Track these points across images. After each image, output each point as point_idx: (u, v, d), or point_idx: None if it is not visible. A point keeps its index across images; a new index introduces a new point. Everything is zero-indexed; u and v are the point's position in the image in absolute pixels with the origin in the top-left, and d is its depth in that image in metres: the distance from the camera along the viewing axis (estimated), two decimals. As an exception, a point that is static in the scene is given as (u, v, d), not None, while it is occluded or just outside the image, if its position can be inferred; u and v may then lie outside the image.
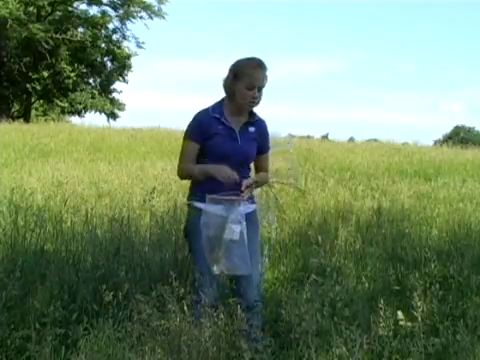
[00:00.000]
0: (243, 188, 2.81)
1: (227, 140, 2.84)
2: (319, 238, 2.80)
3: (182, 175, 2.98)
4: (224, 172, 2.75)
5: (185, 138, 2.91)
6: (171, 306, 2.50)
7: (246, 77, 2.78)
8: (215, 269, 2.75)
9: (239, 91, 2.80)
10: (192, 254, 2.97)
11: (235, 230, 2.78)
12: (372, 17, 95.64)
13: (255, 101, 2.84)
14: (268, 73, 2.83)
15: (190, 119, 2.91)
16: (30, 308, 2.96)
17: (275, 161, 12.48)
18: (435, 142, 26.98)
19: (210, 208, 2.80)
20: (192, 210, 2.93)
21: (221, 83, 2.90)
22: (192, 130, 2.88)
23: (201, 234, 2.82)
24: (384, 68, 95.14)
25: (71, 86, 31.82)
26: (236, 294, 2.79)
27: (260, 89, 2.82)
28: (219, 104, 2.90)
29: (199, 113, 2.90)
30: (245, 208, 2.85)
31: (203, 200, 2.82)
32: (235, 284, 2.83)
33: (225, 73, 2.90)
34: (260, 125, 2.97)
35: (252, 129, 2.92)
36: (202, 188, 2.85)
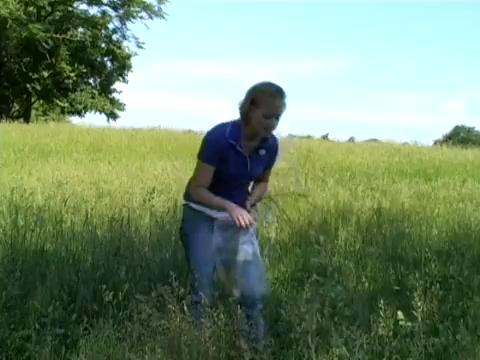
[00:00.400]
0: (248, 208, 2.83)
1: (237, 165, 2.80)
2: (321, 238, 2.78)
3: (197, 196, 2.85)
4: (240, 214, 2.69)
5: (202, 161, 2.81)
6: (171, 306, 2.50)
7: (264, 105, 2.68)
8: (235, 293, 2.73)
9: (256, 118, 2.71)
10: (190, 254, 2.93)
11: (248, 251, 2.78)
12: (372, 17, 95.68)
13: (271, 130, 2.77)
14: (285, 102, 2.74)
15: (206, 139, 2.85)
16: (30, 308, 2.96)
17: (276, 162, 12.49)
18: (435, 142, 26.98)
19: (223, 232, 2.81)
20: (189, 211, 2.92)
21: (237, 106, 2.80)
22: (210, 154, 2.79)
23: (199, 234, 2.83)
24: (384, 68, 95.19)
25: (71, 86, 31.85)
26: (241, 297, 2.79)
27: (278, 117, 2.74)
28: (236, 128, 2.79)
29: (215, 135, 2.81)
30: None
31: (200, 204, 2.83)
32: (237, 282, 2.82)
33: (241, 97, 2.80)
34: (272, 145, 2.91)
35: (263, 152, 2.86)
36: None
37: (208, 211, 2.83)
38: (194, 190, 2.84)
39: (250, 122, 2.74)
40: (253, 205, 2.93)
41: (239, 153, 2.78)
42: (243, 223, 2.66)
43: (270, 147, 2.90)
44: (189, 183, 2.99)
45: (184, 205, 2.98)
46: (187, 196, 2.96)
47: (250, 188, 3.01)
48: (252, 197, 2.94)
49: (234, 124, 2.80)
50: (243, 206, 2.83)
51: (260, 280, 2.76)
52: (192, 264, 2.88)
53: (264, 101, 2.69)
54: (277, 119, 2.74)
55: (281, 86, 2.75)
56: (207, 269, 2.80)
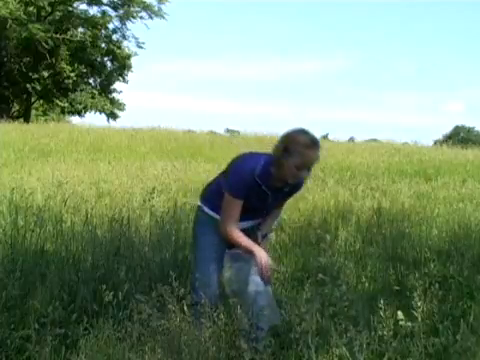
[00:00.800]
0: (259, 240, 2.85)
1: (260, 200, 2.80)
2: (327, 237, 2.78)
3: (226, 235, 2.78)
4: (265, 262, 2.67)
5: (233, 196, 2.75)
6: (171, 306, 2.50)
7: (298, 156, 2.63)
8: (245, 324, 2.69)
9: (288, 166, 2.66)
10: (197, 254, 2.95)
11: (259, 282, 2.78)
12: (372, 17, 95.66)
13: (301, 180, 2.77)
14: (320, 152, 2.70)
15: (236, 173, 2.78)
16: (30, 308, 2.96)
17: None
18: (435, 142, 26.97)
19: (234, 263, 2.82)
20: (202, 214, 2.94)
21: (272, 150, 2.76)
22: (240, 191, 2.74)
23: (209, 237, 2.85)
24: (384, 68, 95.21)
25: (71, 86, 31.84)
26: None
27: (310, 169, 2.70)
28: (266, 167, 2.74)
29: (246, 173, 2.75)
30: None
31: (214, 210, 2.86)
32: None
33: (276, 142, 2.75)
34: (297, 185, 2.89)
35: (286, 189, 2.86)
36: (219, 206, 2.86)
37: (235, 264, 2.87)
38: (225, 230, 2.77)
39: (281, 168, 2.69)
40: (265, 236, 2.95)
41: (264, 192, 2.78)
42: (265, 275, 2.66)
43: (294, 186, 2.88)
44: (208, 185, 3.02)
45: (199, 207, 2.98)
46: (204, 199, 2.96)
47: None
48: (264, 227, 2.96)
49: (265, 162, 2.75)
50: (254, 231, 2.87)
51: (273, 311, 2.73)
52: (197, 264, 2.90)
53: (297, 151, 2.63)
54: (309, 170, 2.69)
55: (315, 136, 2.71)
56: (211, 271, 2.81)
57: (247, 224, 2.88)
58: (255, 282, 2.78)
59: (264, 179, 2.73)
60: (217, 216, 2.85)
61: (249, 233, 2.85)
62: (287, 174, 2.69)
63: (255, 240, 2.84)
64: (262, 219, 2.96)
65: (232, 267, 2.82)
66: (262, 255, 2.69)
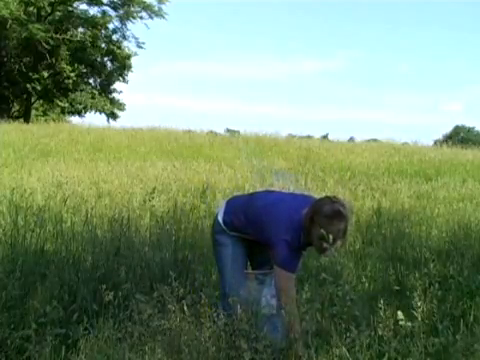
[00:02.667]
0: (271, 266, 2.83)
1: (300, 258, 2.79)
2: (330, 237, 2.77)
3: (291, 313, 2.60)
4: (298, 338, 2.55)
5: (289, 271, 2.68)
6: (171, 306, 2.50)
7: (319, 226, 2.57)
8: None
9: (313, 237, 2.62)
10: (223, 263, 2.93)
11: (272, 304, 2.79)
12: (372, 17, 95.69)
13: (327, 253, 2.66)
14: (345, 224, 2.60)
15: (284, 250, 2.66)
16: (30, 308, 2.96)
17: (277, 163, 12.49)
18: (435, 142, 26.95)
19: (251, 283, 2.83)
20: (222, 228, 2.94)
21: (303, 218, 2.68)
22: (294, 265, 2.71)
23: (234, 248, 2.89)
24: (384, 68, 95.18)
25: (71, 86, 31.82)
26: None
27: (335, 240, 2.56)
28: (302, 233, 2.69)
29: (293, 244, 2.67)
30: None
31: (233, 230, 2.89)
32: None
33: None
34: None
35: None
36: (240, 231, 2.89)
37: (240, 235, 2.91)
38: (292, 310, 2.58)
39: (310, 236, 2.65)
40: None
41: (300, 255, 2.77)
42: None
43: None
44: (227, 204, 3.00)
45: (220, 224, 2.96)
46: (225, 223, 2.93)
47: None
48: None
49: (303, 229, 2.67)
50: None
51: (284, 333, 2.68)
52: (226, 280, 2.89)
53: (319, 220, 2.58)
54: (334, 241, 2.55)
55: (341, 207, 2.61)
56: (240, 279, 2.84)
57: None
58: (268, 304, 2.79)
59: (304, 245, 2.72)
60: (237, 234, 2.90)
61: (261, 249, 2.88)
62: (313, 243, 2.65)
63: (267, 266, 2.88)
64: None
65: (250, 288, 2.81)
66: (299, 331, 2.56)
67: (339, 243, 2.61)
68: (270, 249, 2.73)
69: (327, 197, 2.71)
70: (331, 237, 2.51)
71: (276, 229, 2.69)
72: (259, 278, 2.87)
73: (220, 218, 2.96)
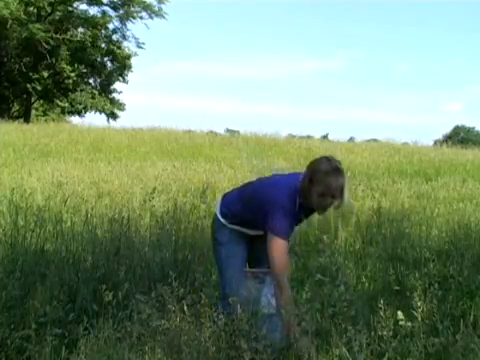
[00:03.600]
0: None
1: (294, 228, 2.84)
2: (325, 238, 2.78)
3: (279, 285, 2.69)
4: (292, 331, 2.57)
5: (284, 238, 2.71)
6: (171, 306, 2.50)
7: (318, 184, 2.65)
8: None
9: (313, 196, 2.68)
10: (223, 261, 2.95)
11: (272, 303, 2.78)
12: (372, 17, 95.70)
13: (326, 211, 2.75)
14: (344, 182, 2.67)
15: (281, 212, 2.71)
16: (30, 308, 2.96)
17: (277, 162, 12.49)
18: (435, 142, 26.94)
19: (251, 282, 2.83)
20: (221, 224, 2.96)
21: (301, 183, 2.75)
22: (289, 230, 2.76)
23: (233, 245, 2.89)
24: (384, 68, 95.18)
25: (71, 86, 31.84)
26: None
27: (335, 197, 2.66)
28: (301, 203, 2.75)
29: (291, 211, 2.73)
30: None
31: (233, 223, 2.90)
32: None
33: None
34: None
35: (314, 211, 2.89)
36: (238, 221, 2.90)
37: (241, 229, 2.91)
38: (280, 279, 2.67)
39: (309, 198, 2.70)
40: None
41: (299, 220, 2.82)
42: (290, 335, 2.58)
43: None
44: (225, 202, 3.00)
45: (220, 220, 2.97)
46: (223, 215, 2.95)
47: None
48: None
49: (299, 192, 2.74)
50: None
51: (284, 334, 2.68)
52: (226, 272, 2.90)
53: (317, 178, 2.66)
54: (333, 198, 2.65)
55: (338, 164, 2.71)
56: (242, 280, 2.83)
57: (260, 232, 2.89)
58: (268, 303, 2.79)
59: (304, 210, 2.76)
60: (238, 228, 2.90)
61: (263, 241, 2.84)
62: (314, 203, 2.70)
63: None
64: None
65: (250, 287, 2.80)
66: (293, 325, 2.57)
67: (338, 201, 2.67)
68: (266, 223, 2.74)
69: (323, 157, 2.77)
70: (331, 193, 2.61)
71: (273, 198, 2.75)
72: (259, 277, 2.88)
73: (218, 212, 2.98)
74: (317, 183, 2.65)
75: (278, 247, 2.69)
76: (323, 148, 15.33)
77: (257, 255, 2.98)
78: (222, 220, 2.95)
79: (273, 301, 2.79)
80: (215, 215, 3.03)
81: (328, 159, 2.72)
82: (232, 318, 2.50)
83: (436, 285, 2.84)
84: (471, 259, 4.18)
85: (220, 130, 24.47)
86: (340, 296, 2.47)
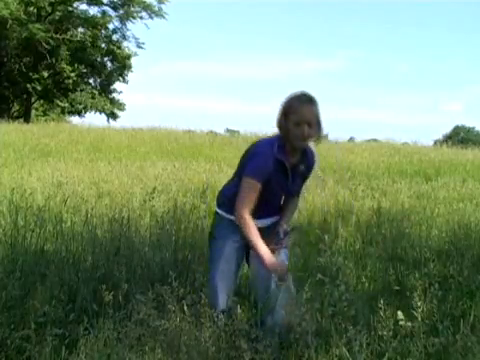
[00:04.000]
0: (282, 236, 2.82)
1: (280, 180, 2.79)
2: (325, 237, 2.78)
3: (240, 221, 2.75)
4: (273, 265, 2.66)
5: (252, 178, 2.72)
6: (171, 306, 2.50)
7: (293, 114, 2.69)
8: (269, 320, 2.71)
9: (290, 128, 2.70)
10: (212, 257, 2.94)
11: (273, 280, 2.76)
12: (372, 17, 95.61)
13: (305, 139, 2.72)
14: (315, 109, 2.73)
15: (255, 155, 2.79)
16: (30, 308, 2.96)
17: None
18: (435, 142, 26.93)
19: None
20: (218, 217, 2.94)
21: (276, 122, 2.81)
22: (261, 171, 2.73)
23: (225, 241, 2.85)
24: (384, 68, 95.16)
25: (71, 86, 31.85)
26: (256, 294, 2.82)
27: (311, 125, 2.69)
28: (281, 145, 2.78)
29: (266, 152, 2.77)
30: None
31: (229, 212, 2.84)
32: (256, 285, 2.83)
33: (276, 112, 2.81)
34: (310, 162, 2.92)
35: (302, 167, 2.86)
36: (231, 202, 2.83)
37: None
38: (239, 213, 2.74)
39: (287, 133, 2.72)
40: (286, 233, 2.90)
41: (283, 169, 2.78)
42: (278, 275, 2.65)
43: (309, 162, 2.90)
44: (222, 191, 3.00)
45: (216, 211, 2.97)
46: (219, 204, 2.96)
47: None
48: (284, 221, 2.92)
49: (279, 140, 2.78)
50: (274, 225, 2.85)
51: (292, 307, 2.67)
52: (211, 272, 2.88)
53: (292, 109, 2.70)
54: (310, 126, 2.69)
55: (309, 94, 2.76)
56: (225, 277, 2.82)
57: (266, 222, 2.87)
58: (268, 280, 2.75)
59: (283, 154, 2.75)
60: (229, 216, 2.84)
61: (269, 233, 2.83)
62: (292, 136, 2.71)
63: (276, 239, 2.82)
64: (280, 214, 2.94)
65: (257, 263, 2.77)
66: (269, 259, 2.66)
67: (315, 131, 2.72)
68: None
69: (294, 92, 2.81)
70: (306, 120, 2.66)
71: (253, 150, 2.85)
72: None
73: (216, 205, 2.98)
74: (292, 114, 2.69)
75: (244, 184, 2.73)
76: (323, 148, 15.31)
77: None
78: (219, 211, 2.92)
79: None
80: (215, 212, 3.01)
81: (299, 91, 2.78)
82: (231, 315, 2.51)
83: (436, 285, 2.84)
84: (471, 259, 4.18)
85: (220, 130, 24.49)
86: (340, 296, 2.47)
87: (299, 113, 2.67)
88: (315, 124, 2.71)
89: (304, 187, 3.11)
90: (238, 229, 2.79)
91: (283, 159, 2.74)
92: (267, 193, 2.76)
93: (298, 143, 2.73)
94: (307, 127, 2.67)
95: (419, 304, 2.44)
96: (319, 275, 2.55)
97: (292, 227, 2.99)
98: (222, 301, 2.76)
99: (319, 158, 3.01)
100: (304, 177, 2.95)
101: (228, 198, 2.87)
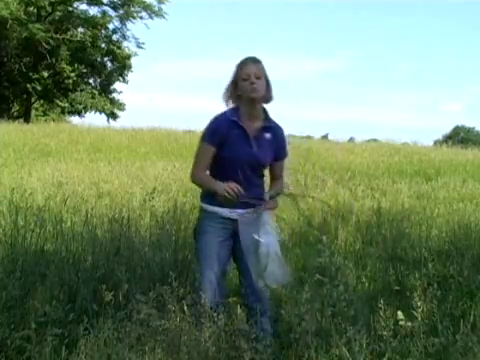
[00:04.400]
0: (267, 198, 2.83)
1: (241, 145, 2.81)
2: (324, 238, 2.77)
3: (194, 181, 2.93)
4: (226, 187, 2.70)
5: (201, 140, 2.86)
6: (171, 306, 2.50)
7: (239, 72, 2.82)
8: (260, 283, 2.75)
9: (240, 87, 2.81)
10: (197, 254, 2.97)
11: (268, 242, 2.78)
12: (371, 17, 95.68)
13: (255, 87, 2.79)
14: (260, 65, 2.84)
15: (208, 124, 2.88)
16: (30, 308, 2.95)
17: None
18: (435, 142, 26.95)
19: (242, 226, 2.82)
20: (202, 212, 2.95)
21: (223, 96, 2.91)
22: (210, 132, 2.84)
23: (208, 236, 2.85)
24: (384, 68, 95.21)
25: (71, 86, 31.84)
26: (246, 298, 2.81)
27: (259, 77, 2.80)
28: (235, 109, 2.88)
29: (216, 116, 2.88)
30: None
31: (213, 203, 2.84)
32: (245, 287, 2.84)
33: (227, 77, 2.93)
34: (277, 132, 2.94)
35: (268, 135, 2.88)
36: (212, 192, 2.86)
37: (219, 211, 2.85)
38: (194, 174, 2.88)
39: (239, 90, 2.83)
40: (273, 197, 2.90)
41: (242, 131, 2.80)
42: (232, 193, 2.69)
43: (275, 131, 2.92)
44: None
45: (200, 205, 3.00)
46: (201, 197, 2.98)
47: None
48: (271, 191, 2.94)
49: (233, 107, 2.90)
50: (257, 199, 2.82)
51: (283, 270, 2.76)
52: (198, 265, 2.92)
53: (238, 69, 2.84)
54: (258, 78, 2.79)
55: (256, 56, 2.89)
56: (210, 273, 2.81)
57: (243, 213, 2.83)
58: (265, 245, 2.76)
59: (236, 115, 2.84)
60: (215, 209, 2.84)
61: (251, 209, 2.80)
62: (243, 93, 2.81)
63: (259, 198, 2.81)
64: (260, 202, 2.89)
65: (246, 232, 2.77)
66: (220, 185, 2.73)
67: (263, 85, 2.81)
68: None
69: None
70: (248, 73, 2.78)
71: None
72: (256, 221, 2.78)
73: (199, 200, 3.01)
74: (237, 72, 2.82)
75: (197, 150, 2.88)
76: (323, 148, 15.33)
77: (239, 255, 2.91)
78: (202, 204, 2.94)
79: (268, 239, 2.77)
80: (199, 207, 3.04)
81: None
82: (232, 318, 2.51)
83: (436, 285, 2.84)
84: (471, 259, 4.18)
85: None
86: (339, 296, 2.47)
87: (243, 68, 2.81)
88: (263, 78, 2.82)
89: (286, 170, 3.10)
90: (221, 222, 2.83)
91: (236, 119, 2.81)
92: (233, 161, 2.78)
93: (250, 94, 2.80)
94: (255, 78, 2.78)
95: (419, 304, 2.44)
96: (317, 275, 2.56)
97: (278, 192, 2.97)
98: (212, 297, 2.74)
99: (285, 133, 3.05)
100: (275, 150, 2.93)
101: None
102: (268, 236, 2.78)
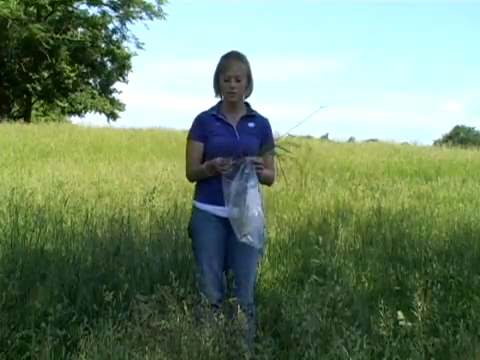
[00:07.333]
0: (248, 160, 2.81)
1: (226, 136, 2.87)
2: (320, 238, 2.78)
3: (191, 179, 3.00)
4: (213, 163, 2.75)
5: (188, 140, 2.96)
6: (171, 306, 2.50)
7: (222, 70, 2.87)
8: (244, 240, 2.75)
9: (221, 85, 2.88)
10: (194, 252, 2.99)
11: (251, 192, 2.75)
12: (371, 16, 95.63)
13: (233, 92, 2.85)
14: (243, 65, 2.87)
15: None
16: (30, 308, 2.96)
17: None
18: (435, 142, 26.95)
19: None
20: (195, 210, 2.96)
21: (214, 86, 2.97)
22: (193, 129, 2.94)
23: (203, 234, 2.85)
24: (383, 68, 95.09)
25: (71, 86, 31.81)
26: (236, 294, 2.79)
27: (239, 80, 2.84)
28: (217, 105, 2.98)
29: (198, 114, 2.97)
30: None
31: (205, 201, 2.87)
32: (235, 284, 2.83)
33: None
34: (261, 122, 2.99)
35: (251, 124, 2.94)
36: (203, 189, 2.91)
37: (211, 209, 2.85)
38: (187, 174, 2.96)
39: (221, 90, 2.90)
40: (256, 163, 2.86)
41: (224, 123, 2.88)
42: (221, 162, 2.72)
43: (258, 121, 2.97)
44: (198, 183, 3.02)
45: (192, 203, 3.02)
46: (194, 195, 3.02)
47: None
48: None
49: (217, 103, 2.98)
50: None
51: (259, 234, 2.76)
52: (196, 265, 2.93)
53: (221, 67, 2.87)
54: (238, 81, 2.84)
55: (240, 52, 2.93)
56: (210, 271, 2.82)
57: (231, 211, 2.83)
58: (249, 194, 2.75)
59: (216, 109, 2.92)
60: (207, 207, 2.87)
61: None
62: (224, 92, 2.88)
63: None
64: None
65: (229, 184, 2.77)
66: (210, 161, 2.78)
67: (244, 85, 2.86)
68: None
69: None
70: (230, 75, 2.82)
71: None
72: (238, 173, 2.77)
73: (192, 199, 3.04)
74: (221, 72, 2.86)
75: (186, 148, 2.94)
76: (323, 148, 15.33)
77: (232, 253, 2.90)
78: (195, 203, 2.96)
79: (250, 190, 2.75)
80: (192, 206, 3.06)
81: (231, 50, 2.94)
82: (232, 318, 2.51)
83: (436, 285, 2.84)
84: (471, 259, 4.18)
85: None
86: (336, 296, 2.47)
87: (226, 69, 2.85)
88: (244, 78, 2.87)
89: (275, 161, 3.09)
90: (214, 220, 2.84)
91: (215, 113, 2.90)
92: (219, 151, 2.80)
93: (228, 96, 2.88)
94: (235, 81, 2.83)
95: (419, 304, 2.44)
96: (313, 276, 2.56)
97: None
98: (212, 292, 2.74)
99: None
100: (260, 138, 2.94)
101: (197, 185, 2.99)
102: (252, 190, 2.76)
